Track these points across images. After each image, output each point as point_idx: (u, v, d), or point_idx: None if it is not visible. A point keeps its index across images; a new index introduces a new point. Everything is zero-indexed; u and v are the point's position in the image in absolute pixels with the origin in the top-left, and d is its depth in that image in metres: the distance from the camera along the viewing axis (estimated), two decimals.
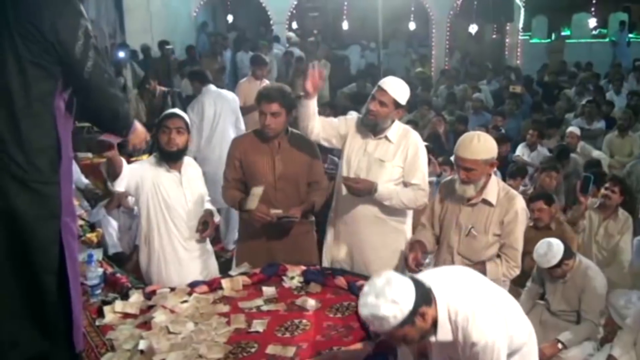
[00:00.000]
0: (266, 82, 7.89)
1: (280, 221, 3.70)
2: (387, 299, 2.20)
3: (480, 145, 3.25)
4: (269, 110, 3.70)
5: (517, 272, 3.41)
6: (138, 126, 2.67)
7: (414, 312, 2.23)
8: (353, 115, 4.01)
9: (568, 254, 4.20)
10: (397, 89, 3.68)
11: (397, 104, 3.68)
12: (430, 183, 4.22)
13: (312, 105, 3.66)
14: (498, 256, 3.39)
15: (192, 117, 6.37)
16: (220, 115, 6.55)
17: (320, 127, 3.76)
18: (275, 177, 3.81)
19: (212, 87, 6.71)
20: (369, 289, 2.27)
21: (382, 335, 2.49)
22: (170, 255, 3.74)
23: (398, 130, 3.79)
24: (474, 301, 2.37)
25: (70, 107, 2.32)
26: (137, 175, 3.61)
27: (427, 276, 2.45)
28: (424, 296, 2.29)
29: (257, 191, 3.62)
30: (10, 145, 2.15)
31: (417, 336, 2.32)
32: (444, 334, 2.36)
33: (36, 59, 2.15)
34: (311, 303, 3.19)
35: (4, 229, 2.18)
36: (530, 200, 5.13)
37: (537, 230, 4.92)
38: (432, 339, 2.38)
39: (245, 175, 3.86)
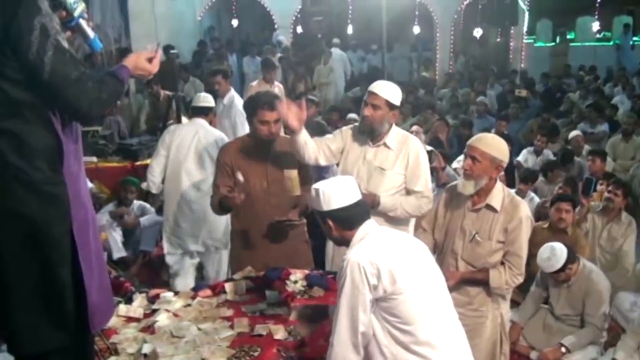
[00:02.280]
0: (277, 85, 7.96)
1: (281, 225, 3.71)
2: (326, 187, 2.52)
3: (494, 141, 3.32)
4: (272, 118, 3.71)
5: (521, 280, 3.40)
6: (133, 64, 2.44)
7: (323, 216, 2.56)
8: (349, 126, 4.00)
9: (572, 258, 4.19)
10: (387, 90, 3.68)
11: (390, 105, 3.67)
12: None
13: (302, 137, 3.65)
14: (502, 263, 3.38)
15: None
16: None
17: (315, 151, 3.75)
18: (268, 181, 3.82)
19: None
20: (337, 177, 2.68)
21: None
22: None
23: (397, 136, 3.78)
24: (378, 241, 2.50)
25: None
26: None
27: (377, 231, 2.58)
28: (346, 219, 2.53)
29: (293, 174, 3.68)
30: (10, 153, 2.16)
31: (329, 235, 2.64)
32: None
33: (8, 73, 2.12)
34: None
35: (16, 231, 2.20)
36: (555, 199, 5.11)
37: (553, 234, 4.91)
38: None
39: (237, 182, 3.82)
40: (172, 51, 11.06)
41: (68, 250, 2.26)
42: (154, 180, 5.16)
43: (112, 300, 2.68)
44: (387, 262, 2.38)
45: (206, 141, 5.00)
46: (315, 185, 2.57)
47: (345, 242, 2.58)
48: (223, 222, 4.91)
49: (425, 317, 2.42)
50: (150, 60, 2.48)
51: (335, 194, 2.51)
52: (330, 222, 2.56)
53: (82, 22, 2.40)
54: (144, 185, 5.64)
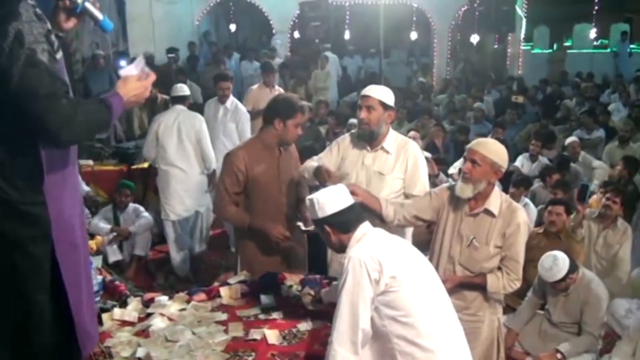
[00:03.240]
0: (278, 89, 8.00)
1: (305, 234, 3.83)
2: (321, 195, 2.65)
3: (495, 146, 3.32)
4: (304, 121, 3.83)
5: (518, 285, 3.40)
6: (125, 89, 2.29)
7: (320, 223, 2.67)
8: (345, 135, 4.05)
9: (573, 267, 4.19)
10: (379, 91, 3.73)
11: (384, 105, 3.69)
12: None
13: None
14: (499, 269, 3.38)
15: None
16: None
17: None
18: (280, 182, 3.86)
19: None
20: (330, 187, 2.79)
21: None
22: None
23: (395, 140, 3.79)
24: (374, 245, 2.55)
25: None
26: None
27: (374, 231, 2.67)
28: (342, 222, 2.64)
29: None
30: None
31: (329, 242, 2.72)
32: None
33: None
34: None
35: None
36: (548, 203, 5.18)
37: (546, 239, 4.95)
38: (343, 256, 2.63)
39: (248, 187, 3.83)
40: (169, 55, 11.08)
41: (48, 275, 2.16)
42: (148, 157, 6.37)
43: (97, 326, 2.62)
44: (387, 256, 2.47)
45: (185, 122, 6.06)
46: (309, 197, 2.73)
47: (343, 247, 2.67)
48: (203, 186, 6.22)
49: (425, 309, 2.48)
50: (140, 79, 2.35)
51: (328, 200, 2.65)
52: (328, 228, 2.67)
53: (89, 6, 2.27)
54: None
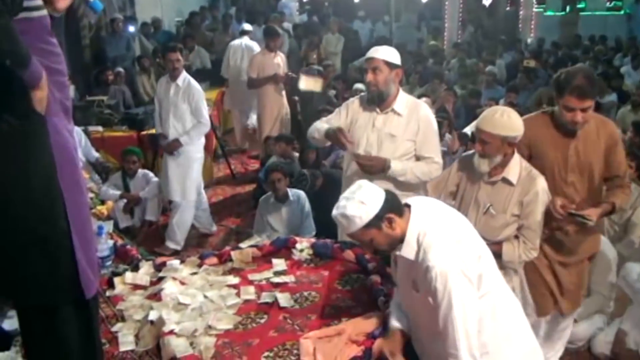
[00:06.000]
0: (280, 55, 7.87)
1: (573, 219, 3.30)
2: (355, 200, 2.37)
3: (502, 120, 3.15)
4: (579, 106, 3.22)
5: (535, 254, 3.31)
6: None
7: (380, 216, 2.37)
8: (355, 97, 4.01)
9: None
10: (382, 51, 3.70)
11: (390, 64, 3.66)
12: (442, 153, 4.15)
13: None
14: (516, 237, 3.33)
15: None
16: None
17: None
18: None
19: None
20: (344, 194, 2.45)
21: (351, 238, 2.58)
22: None
23: (407, 102, 3.74)
24: (445, 230, 2.40)
25: None
26: None
27: (414, 199, 2.55)
28: (394, 205, 2.42)
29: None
30: None
31: (385, 243, 2.44)
32: (408, 251, 2.40)
33: None
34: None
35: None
36: None
37: None
38: (397, 252, 2.45)
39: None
40: (177, 19, 10.98)
41: (60, 202, 2.11)
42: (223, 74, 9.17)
43: (97, 274, 2.48)
44: (472, 262, 2.36)
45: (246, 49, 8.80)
46: (344, 212, 2.37)
47: (400, 239, 2.41)
48: None
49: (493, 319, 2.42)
50: None
51: (370, 195, 2.39)
52: (386, 222, 2.38)
53: None
54: None
